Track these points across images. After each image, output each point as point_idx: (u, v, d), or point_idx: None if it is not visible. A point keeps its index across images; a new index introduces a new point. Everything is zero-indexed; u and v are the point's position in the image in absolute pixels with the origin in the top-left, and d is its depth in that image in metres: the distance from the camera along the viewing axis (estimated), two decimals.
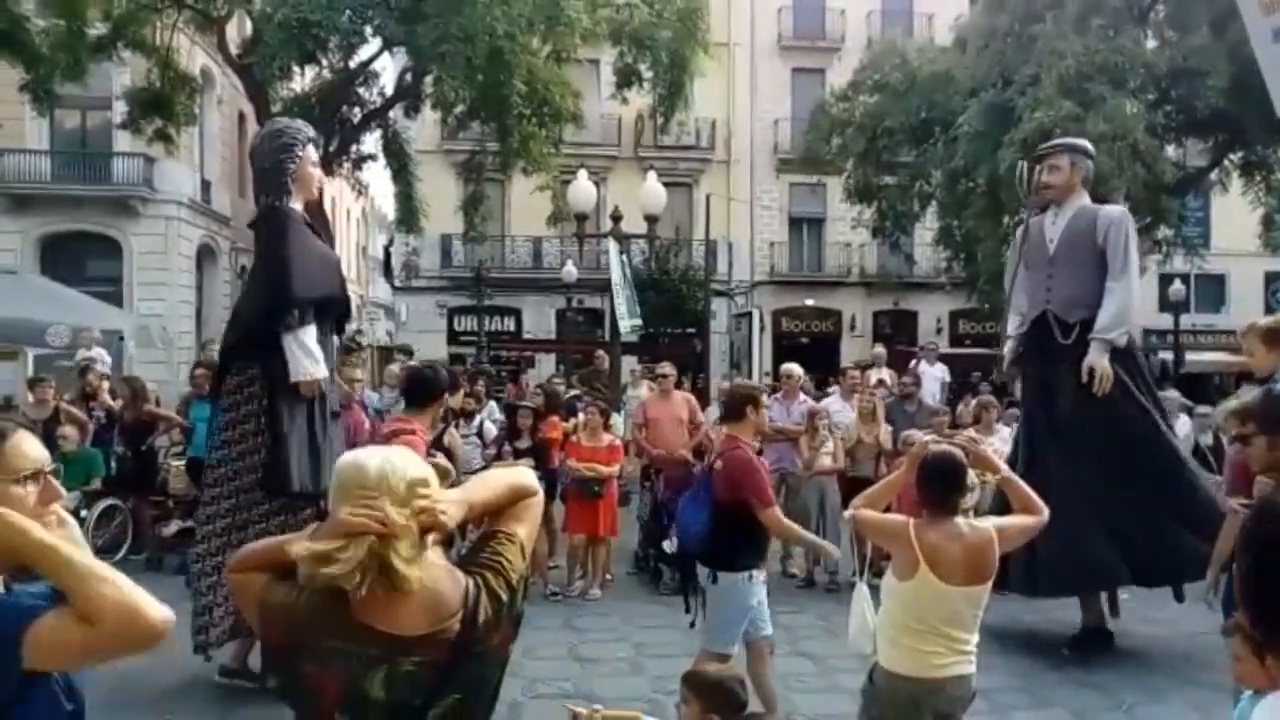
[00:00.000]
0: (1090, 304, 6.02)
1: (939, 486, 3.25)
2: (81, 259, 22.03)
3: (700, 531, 4.49)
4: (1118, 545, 5.81)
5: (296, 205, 4.93)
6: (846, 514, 3.48)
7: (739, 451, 4.51)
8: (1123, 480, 5.90)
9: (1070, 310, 6.14)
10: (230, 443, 4.88)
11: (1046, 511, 3.48)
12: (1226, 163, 19.91)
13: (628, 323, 11.99)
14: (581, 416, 8.40)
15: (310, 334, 4.73)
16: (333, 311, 5.10)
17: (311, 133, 5.16)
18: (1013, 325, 6.61)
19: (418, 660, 1.60)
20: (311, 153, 5.00)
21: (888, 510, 3.63)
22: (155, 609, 1.51)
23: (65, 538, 1.61)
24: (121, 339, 12.52)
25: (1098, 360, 5.90)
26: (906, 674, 3.20)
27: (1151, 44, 18.18)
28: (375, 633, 1.60)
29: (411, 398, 4.34)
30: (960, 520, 3.25)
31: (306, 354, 4.69)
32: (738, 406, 4.67)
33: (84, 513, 7.56)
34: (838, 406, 8.80)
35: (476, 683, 1.69)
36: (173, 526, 8.34)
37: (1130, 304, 6.01)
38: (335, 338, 5.37)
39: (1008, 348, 6.73)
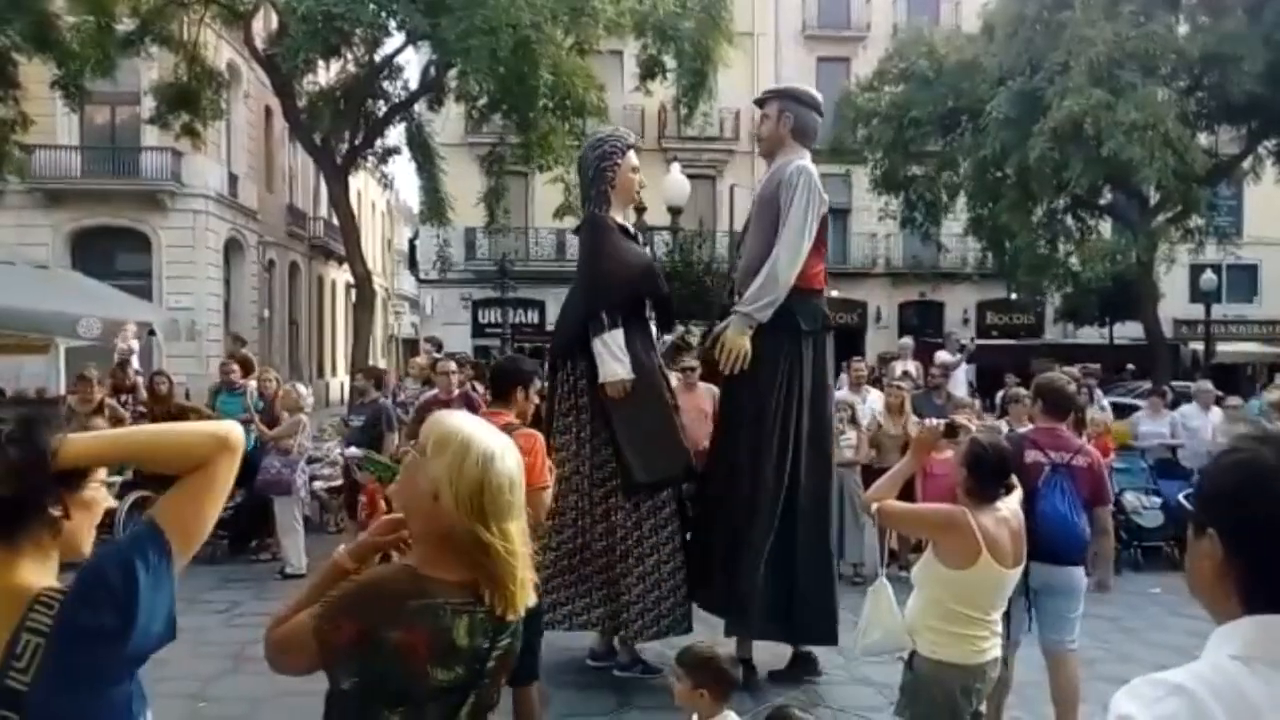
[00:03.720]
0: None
1: (989, 474, 3.26)
2: (111, 253, 22.35)
3: (1083, 535, 4.37)
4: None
5: (617, 212, 5.14)
6: (873, 508, 3.44)
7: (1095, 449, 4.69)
8: (724, 481, 5.24)
9: (745, 279, 5.23)
10: (568, 443, 5.09)
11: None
12: (1260, 150, 19.61)
13: None
14: None
15: (618, 337, 4.90)
16: (656, 311, 5.30)
17: (631, 139, 5.33)
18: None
19: (485, 609, 1.74)
20: (632, 159, 5.17)
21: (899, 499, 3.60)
22: (218, 424, 1.63)
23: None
24: (152, 332, 12.65)
25: (729, 334, 5.03)
26: (957, 662, 3.21)
27: (1183, 30, 17.91)
28: (448, 583, 1.72)
29: (499, 390, 4.33)
30: (1000, 504, 3.27)
31: (613, 357, 4.87)
32: (1068, 402, 4.67)
33: (117, 504, 7.66)
34: (850, 399, 8.69)
35: (517, 629, 1.82)
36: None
37: (779, 274, 4.94)
38: (666, 336, 5.56)
39: (718, 326, 5.92)
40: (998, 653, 3.31)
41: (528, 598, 1.79)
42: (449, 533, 1.72)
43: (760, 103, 5.55)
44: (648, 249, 12.59)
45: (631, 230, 5.27)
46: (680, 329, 6.06)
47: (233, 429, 1.61)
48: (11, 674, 1.35)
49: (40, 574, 1.45)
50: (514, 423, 4.07)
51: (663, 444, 5.07)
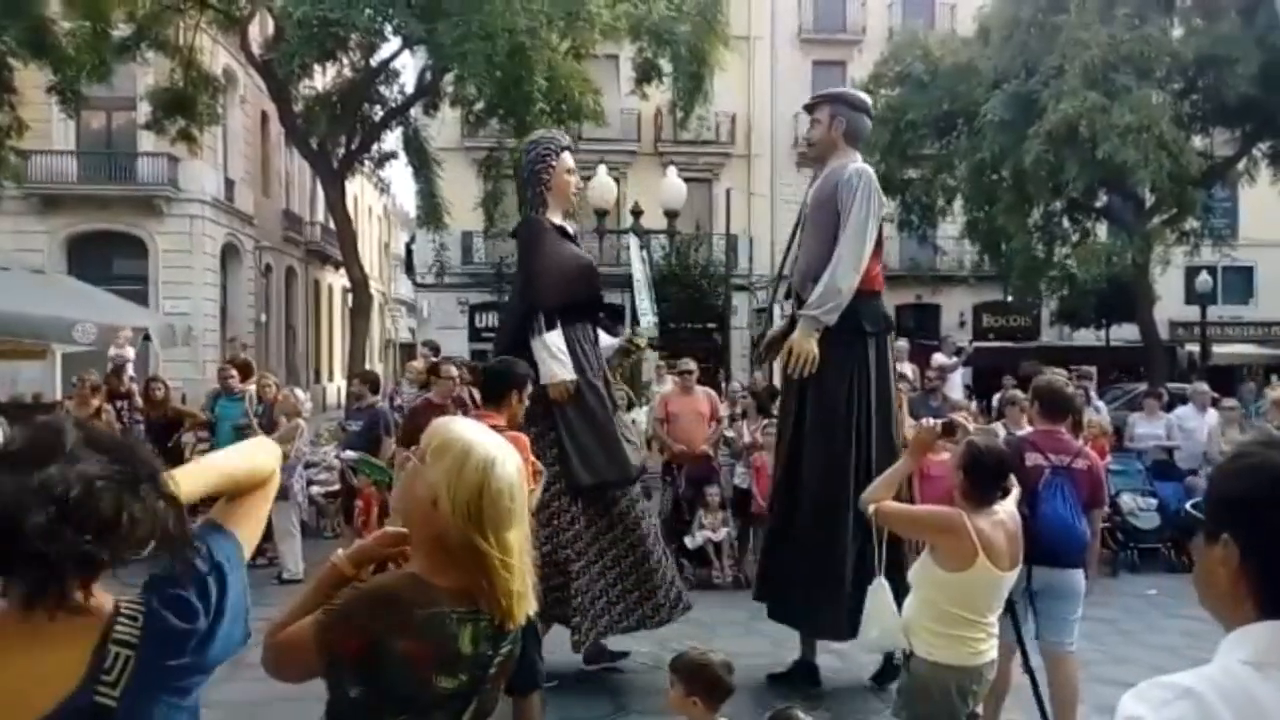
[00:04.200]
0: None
1: (987, 476, 3.25)
2: (108, 258, 22.31)
3: (1084, 538, 4.39)
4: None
5: (555, 213, 5.11)
6: (871, 509, 3.44)
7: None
8: (787, 486, 5.23)
9: (805, 283, 5.23)
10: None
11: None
12: (1255, 152, 19.67)
13: (648, 319, 11.96)
14: None
15: (557, 337, 4.89)
16: (592, 312, 5.27)
17: (566, 141, 5.32)
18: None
19: (489, 616, 1.74)
20: (567, 160, 5.16)
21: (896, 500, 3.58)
22: (270, 442, 1.78)
23: None
24: (147, 338, 12.64)
25: (797, 339, 5.01)
26: (955, 664, 3.21)
27: (1178, 32, 17.96)
28: (451, 591, 1.72)
29: (490, 393, 4.30)
30: (996, 507, 3.26)
31: (552, 358, 4.85)
32: (1066, 404, 4.68)
33: None
34: None
35: (518, 635, 1.82)
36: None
37: (843, 276, 4.97)
38: (606, 336, 5.47)
39: (774, 328, 5.89)
40: (994, 654, 3.31)
41: (528, 607, 1.78)
42: (447, 539, 1.72)
43: (809, 108, 5.55)
44: (644, 253, 12.63)
45: (570, 231, 5.25)
46: (628, 331, 6.00)
47: (276, 444, 1.76)
48: (100, 689, 1.30)
49: (99, 587, 1.41)
50: (498, 426, 4.00)
51: (601, 447, 5.06)
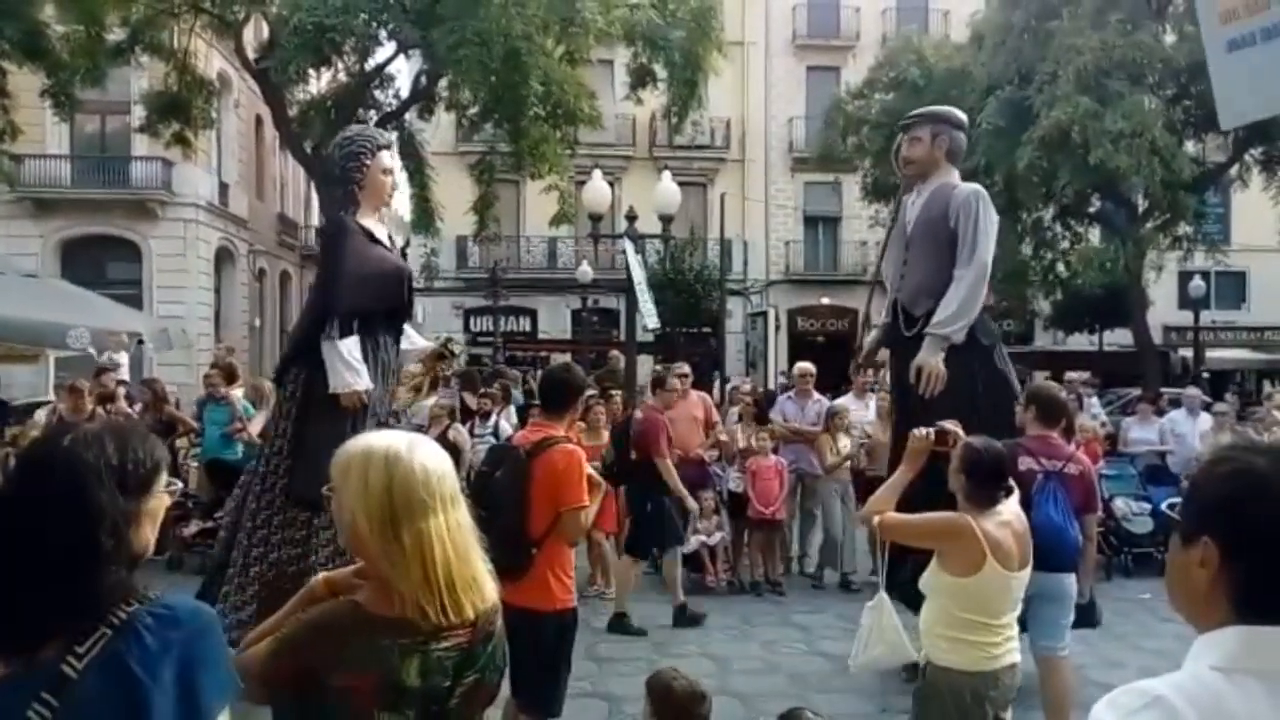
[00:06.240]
0: (938, 294, 5.25)
1: (987, 478, 3.24)
2: (101, 262, 22.25)
3: (1076, 542, 4.48)
4: None
5: (367, 215, 4.87)
6: (875, 521, 3.41)
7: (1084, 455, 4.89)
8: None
9: (916, 300, 5.40)
10: (265, 451, 4.87)
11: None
12: (1247, 158, 19.75)
13: (651, 319, 11.94)
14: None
15: (352, 345, 4.65)
16: (394, 322, 5.05)
17: (384, 139, 5.07)
18: (885, 314, 5.85)
19: (448, 645, 1.66)
20: (384, 160, 4.91)
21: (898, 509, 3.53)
22: None
23: None
24: (141, 342, 12.59)
25: (926, 358, 5.13)
26: (969, 670, 3.18)
27: (1170, 38, 18.03)
28: (398, 622, 1.64)
29: (550, 401, 4.12)
30: (1000, 508, 3.25)
31: (346, 365, 4.60)
32: (1060, 410, 4.75)
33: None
34: (853, 405, 8.71)
35: (490, 662, 1.76)
36: (193, 526, 8.39)
37: (973, 296, 5.19)
38: (418, 338, 5.33)
39: (869, 338, 6.05)
40: (1013, 658, 3.28)
41: (480, 596, 1.71)
42: (382, 566, 1.65)
43: (906, 127, 5.67)
44: (639, 256, 12.61)
45: (379, 236, 4.91)
46: (444, 337, 5.77)
47: None
48: (68, 659, 1.35)
49: None
50: (556, 436, 3.80)
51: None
